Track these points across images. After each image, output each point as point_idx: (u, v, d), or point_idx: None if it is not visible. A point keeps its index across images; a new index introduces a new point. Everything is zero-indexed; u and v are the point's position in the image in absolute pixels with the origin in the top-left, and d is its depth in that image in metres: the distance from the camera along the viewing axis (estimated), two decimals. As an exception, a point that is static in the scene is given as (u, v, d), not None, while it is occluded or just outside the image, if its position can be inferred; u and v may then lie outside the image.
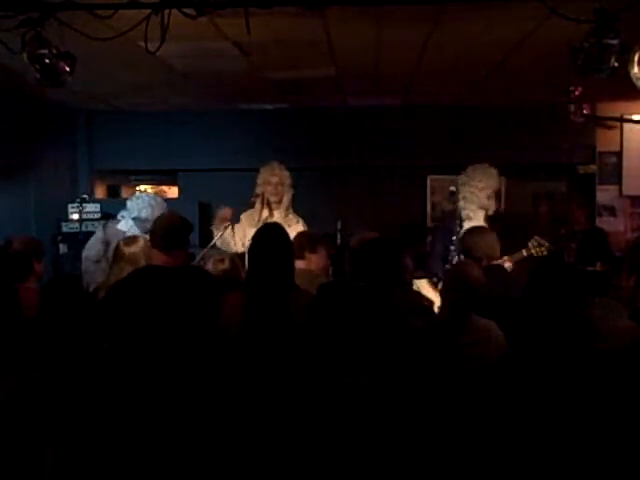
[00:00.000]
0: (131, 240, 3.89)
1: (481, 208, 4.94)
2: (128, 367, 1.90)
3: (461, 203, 4.95)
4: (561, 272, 2.46)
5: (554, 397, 2.09)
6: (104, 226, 5.31)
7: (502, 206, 6.67)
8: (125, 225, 5.25)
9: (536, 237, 4.54)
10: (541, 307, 2.32)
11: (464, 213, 4.93)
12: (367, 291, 2.13)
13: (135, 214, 5.19)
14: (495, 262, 3.99)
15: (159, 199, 5.44)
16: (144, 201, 5.24)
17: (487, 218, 4.92)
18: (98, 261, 5.05)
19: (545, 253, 4.49)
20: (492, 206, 4.97)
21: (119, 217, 5.40)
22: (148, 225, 4.90)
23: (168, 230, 3.69)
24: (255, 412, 1.95)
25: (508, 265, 4.33)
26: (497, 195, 5.05)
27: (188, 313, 2.02)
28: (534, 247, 4.49)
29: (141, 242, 3.80)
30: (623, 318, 2.78)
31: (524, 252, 4.48)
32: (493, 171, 5.03)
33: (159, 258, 3.57)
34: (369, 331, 1.99)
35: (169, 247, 3.62)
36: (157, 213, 5.01)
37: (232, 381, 2.10)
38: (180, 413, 1.84)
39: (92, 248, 5.13)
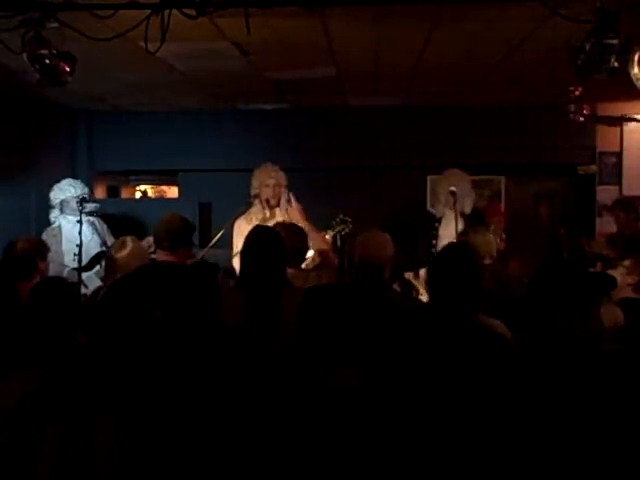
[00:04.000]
0: (120, 245, 3.84)
1: (449, 208, 5.31)
2: (130, 364, 1.90)
3: (438, 205, 5.51)
4: (565, 273, 2.46)
5: (557, 399, 2.08)
6: (45, 232, 5.62)
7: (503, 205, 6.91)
8: (56, 220, 5.63)
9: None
10: (544, 308, 2.32)
11: (439, 213, 5.45)
12: (354, 292, 2.13)
13: (57, 200, 5.57)
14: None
15: (77, 180, 5.81)
16: (64, 184, 5.64)
17: (462, 216, 5.27)
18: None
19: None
20: (462, 206, 5.30)
21: (52, 218, 5.71)
22: (74, 205, 5.37)
23: (172, 229, 3.69)
24: (249, 415, 1.95)
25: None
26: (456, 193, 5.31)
27: (197, 308, 2.02)
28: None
29: (129, 245, 3.73)
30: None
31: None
32: (460, 174, 5.46)
33: (164, 258, 3.56)
34: (357, 332, 2.00)
35: (174, 246, 3.62)
36: (81, 191, 5.55)
37: (231, 380, 2.10)
38: (180, 409, 1.84)
39: None
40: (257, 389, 2.12)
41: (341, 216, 4.79)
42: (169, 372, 1.97)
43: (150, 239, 4.34)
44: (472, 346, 2.36)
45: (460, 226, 5.19)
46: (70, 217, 5.56)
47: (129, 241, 3.77)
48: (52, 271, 5.30)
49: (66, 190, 5.59)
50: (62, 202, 5.59)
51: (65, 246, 5.49)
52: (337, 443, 1.83)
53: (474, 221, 5.26)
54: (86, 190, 5.72)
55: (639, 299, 3.31)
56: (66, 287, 2.92)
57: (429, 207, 5.64)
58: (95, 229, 5.71)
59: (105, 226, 5.85)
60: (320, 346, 1.98)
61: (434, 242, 5.34)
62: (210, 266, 4.29)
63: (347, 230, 4.78)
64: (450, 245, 3.18)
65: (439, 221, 5.44)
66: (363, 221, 6.11)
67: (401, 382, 2.22)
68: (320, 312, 2.02)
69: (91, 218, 5.70)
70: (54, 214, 5.66)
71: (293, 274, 3.40)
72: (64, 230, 5.55)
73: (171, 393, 1.94)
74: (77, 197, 5.48)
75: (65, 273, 5.17)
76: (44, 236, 5.53)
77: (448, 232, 5.24)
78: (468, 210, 5.33)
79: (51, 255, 5.37)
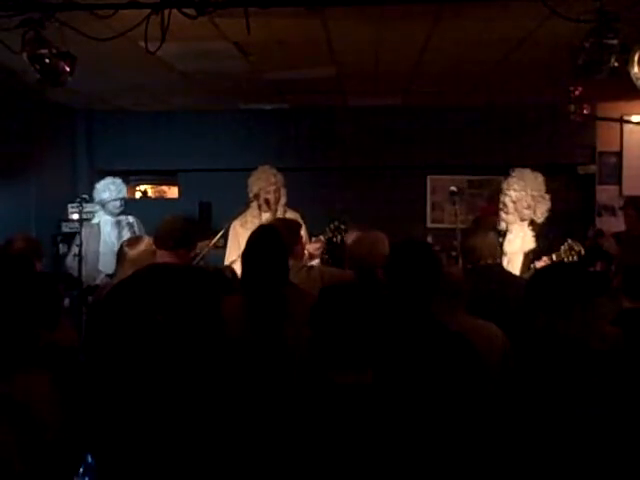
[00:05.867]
0: (134, 241, 3.91)
1: (522, 220, 4.44)
2: (129, 366, 1.90)
3: (501, 214, 4.52)
4: (562, 273, 2.46)
5: (553, 398, 2.08)
6: (83, 226, 5.53)
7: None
8: (96, 217, 5.61)
9: (569, 241, 4.16)
10: (541, 307, 2.32)
11: (503, 225, 4.50)
12: (368, 292, 2.13)
13: (97, 199, 5.57)
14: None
15: (117, 179, 5.73)
16: (103, 184, 5.61)
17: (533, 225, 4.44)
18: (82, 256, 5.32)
19: (575, 259, 4.09)
20: (536, 214, 4.43)
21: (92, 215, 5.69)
22: (111, 207, 5.52)
23: (173, 230, 3.69)
24: (255, 413, 1.95)
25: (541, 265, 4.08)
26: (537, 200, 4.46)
27: (196, 310, 2.01)
28: (565, 252, 4.12)
29: (144, 242, 3.81)
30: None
31: (554, 256, 4.13)
32: (530, 175, 4.53)
33: (165, 258, 3.57)
34: (371, 331, 2.00)
35: (175, 247, 3.62)
36: (116, 194, 5.55)
37: (234, 380, 2.10)
38: (181, 408, 1.84)
39: (77, 248, 5.35)
40: (262, 387, 2.12)
41: (336, 223, 4.69)
42: (171, 373, 1.96)
43: None
44: (428, 343, 2.34)
45: (530, 239, 4.41)
46: (107, 217, 5.57)
47: (144, 239, 3.83)
48: (85, 275, 5.20)
49: (102, 191, 5.57)
50: (101, 201, 5.57)
51: (102, 247, 5.45)
52: (345, 439, 1.83)
53: (550, 237, 4.32)
54: (123, 192, 5.68)
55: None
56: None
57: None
58: (133, 232, 5.62)
59: (143, 228, 5.71)
60: (331, 344, 1.98)
61: (498, 261, 4.00)
62: (214, 271, 4.28)
63: (340, 237, 4.63)
64: (407, 241, 3.00)
65: (503, 235, 4.46)
66: (363, 221, 6.13)
67: (384, 379, 2.21)
68: (335, 312, 2.02)
69: (130, 219, 5.68)
70: (94, 209, 5.64)
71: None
72: (103, 230, 5.53)
73: (173, 394, 1.94)
74: (116, 199, 5.53)
75: (99, 280, 5.08)
76: (83, 232, 5.41)
77: (515, 247, 4.40)
78: (541, 218, 4.44)
79: (88, 254, 5.33)
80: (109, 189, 5.56)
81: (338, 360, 1.96)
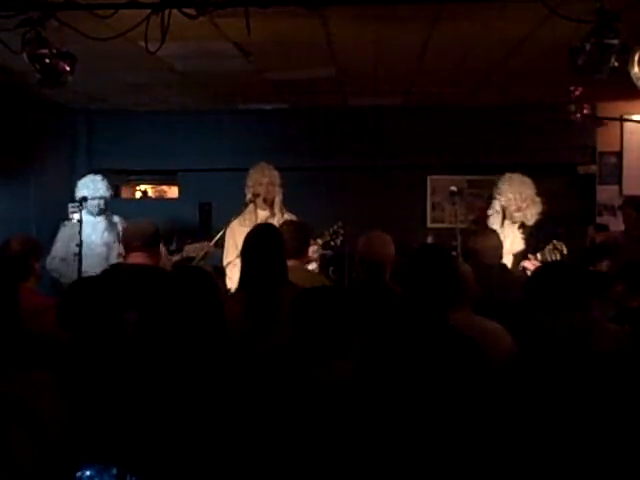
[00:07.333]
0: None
1: (513, 222, 4.52)
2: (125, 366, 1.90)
3: (492, 216, 4.62)
4: (562, 273, 2.46)
5: (554, 400, 2.08)
6: (63, 225, 5.41)
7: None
8: (77, 215, 5.29)
9: (554, 241, 4.20)
10: (541, 308, 2.32)
11: (495, 226, 4.51)
12: (355, 290, 2.15)
13: (78, 197, 5.26)
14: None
15: (98, 177, 5.46)
16: (83, 182, 5.37)
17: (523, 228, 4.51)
18: (63, 259, 5.22)
19: (558, 257, 4.13)
20: (526, 217, 4.50)
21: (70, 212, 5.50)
22: (89, 206, 5.23)
23: (144, 230, 3.71)
24: (247, 411, 1.95)
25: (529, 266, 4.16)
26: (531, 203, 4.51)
27: (161, 308, 2.02)
28: (549, 251, 4.16)
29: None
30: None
31: (538, 255, 4.20)
32: (520, 179, 4.63)
33: (137, 259, 3.59)
34: (354, 328, 2.02)
35: (146, 245, 3.63)
36: (94, 193, 5.26)
37: (230, 380, 2.10)
38: (177, 407, 1.84)
39: (57, 249, 5.28)
40: (252, 385, 2.13)
41: (335, 227, 4.69)
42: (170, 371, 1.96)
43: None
44: (442, 346, 2.34)
45: (519, 240, 4.46)
46: (89, 217, 5.30)
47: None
48: (69, 275, 4.99)
49: (81, 189, 5.32)
50: (80, 200, 5.23)
51: (84, 248, 5.09)
52: (329, 435, 1.84)
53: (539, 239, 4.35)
54: (102, 191, 5.36)
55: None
56: None
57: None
58: (117, 232, 5.37)
59: None
60: (315, 341, 2.00)
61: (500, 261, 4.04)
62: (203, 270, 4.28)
63: (338, 242, 4.63)
64: (424, 246, 3.01)
65: None
66: (363, 221, 6.13)
67: (385, 377, 2.21)
68: (314, 309, 2.04)
69: (115, 218, 5.45)
70: (73, 209, 5.40)
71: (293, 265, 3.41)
72: (84, 230, 5.16)
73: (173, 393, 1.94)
74: (94, 198, 5.29)
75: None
76: (63, 231, 5.29)
77: (504, 249, 4.24)
78: (531, 221, 4.50)
79: (69, 256, 5.12)
80: (88, 187, 5.30)
81: (318, 355, 1.97)
